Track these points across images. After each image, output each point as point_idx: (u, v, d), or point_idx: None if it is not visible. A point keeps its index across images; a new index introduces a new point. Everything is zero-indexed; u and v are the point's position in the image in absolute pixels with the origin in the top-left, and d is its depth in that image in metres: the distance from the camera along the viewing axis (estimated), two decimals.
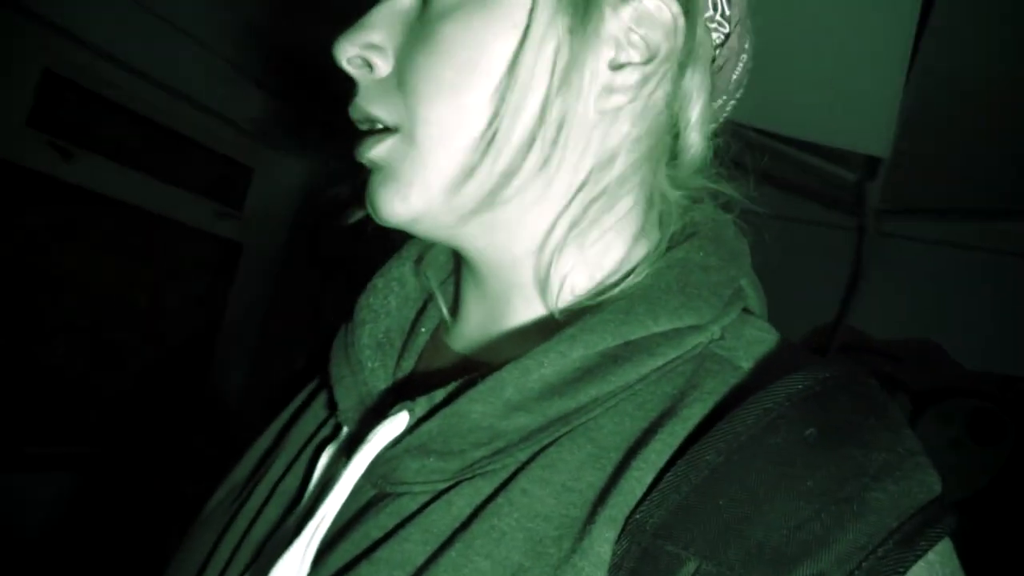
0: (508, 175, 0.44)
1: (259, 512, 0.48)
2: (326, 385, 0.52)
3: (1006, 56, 1.09)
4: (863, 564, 0.33)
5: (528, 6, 0.44)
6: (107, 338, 1.82)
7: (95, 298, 1.77)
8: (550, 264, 0.47)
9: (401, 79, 0.45)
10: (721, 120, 0.52)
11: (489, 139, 0.44)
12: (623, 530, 0.37)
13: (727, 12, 0.48)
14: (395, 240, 0.55)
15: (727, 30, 0.48)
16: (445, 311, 0.54)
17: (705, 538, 0.35)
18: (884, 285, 1.60)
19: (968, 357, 1.56)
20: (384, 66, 0.46)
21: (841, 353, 1.63)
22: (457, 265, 0.55)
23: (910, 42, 1.04)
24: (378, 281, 0.54)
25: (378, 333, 0.51)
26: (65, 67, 1.59)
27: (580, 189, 0.46)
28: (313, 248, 2.11)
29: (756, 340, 0.45)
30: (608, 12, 0.44)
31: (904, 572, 0.33)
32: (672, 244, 0.48)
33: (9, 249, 1.58)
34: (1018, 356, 1.51)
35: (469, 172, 0.44)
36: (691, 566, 0.35)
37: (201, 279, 2.05)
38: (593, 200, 0.47)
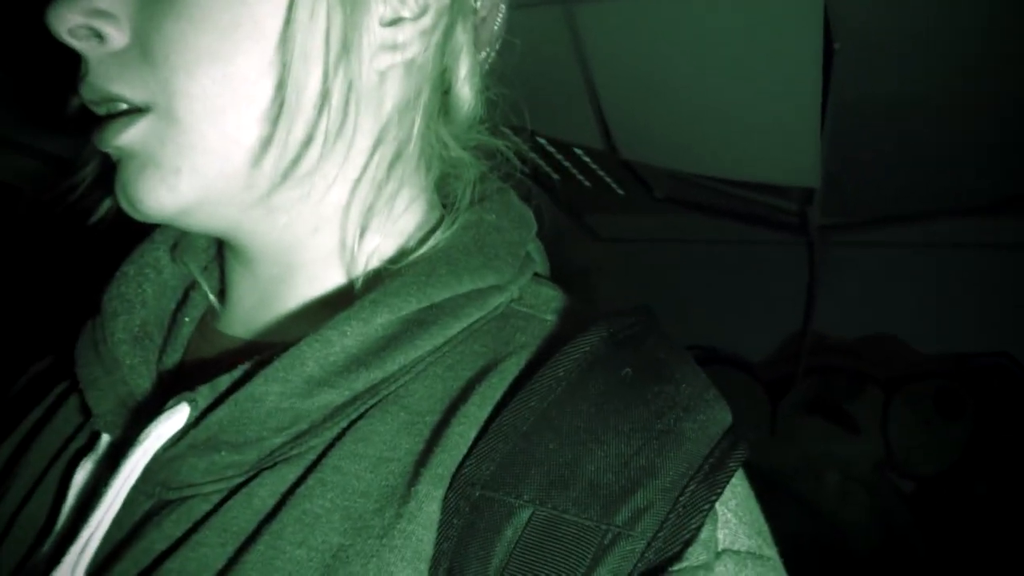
0: (304, 146, 0.41)
1: None
2: (75, 390, 0.46)
3: (911, 75, 1.24)
4: (686, 490, 0.35)
5: None
6: None
7: None
8: (353, 237, 0.45)
9: (146, 50, 0.40)
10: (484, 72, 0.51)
11: (277, 109, 0.40)
12: (450, 486, 0.36)
13: None
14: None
15: None
16: (212, 298, 0.49)
17: (537, 483, 0.35)
18: (839, 291, 1.78)
19: (923, 343, 1.73)
20: (119, 36, 0.40)
21: (812, 357, 1.80)
22: (220, 248, 0.51)
23: (819, 74, 1.14)
24: (129, 268, 0.48)
25: (133, 326, 0.45)
26: None
27: (372, 155, 0.44)
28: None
29: (552, 298, 0.46)
30: None
31: (720, 494, 0.35)
32: (460, 208, 0.47)
33: None
34: (966, 335, 1.68)
35: (264, 146, 0.41)
36: (525, 513, 0.34)
37: None
38: (389, 166, 0.44)
